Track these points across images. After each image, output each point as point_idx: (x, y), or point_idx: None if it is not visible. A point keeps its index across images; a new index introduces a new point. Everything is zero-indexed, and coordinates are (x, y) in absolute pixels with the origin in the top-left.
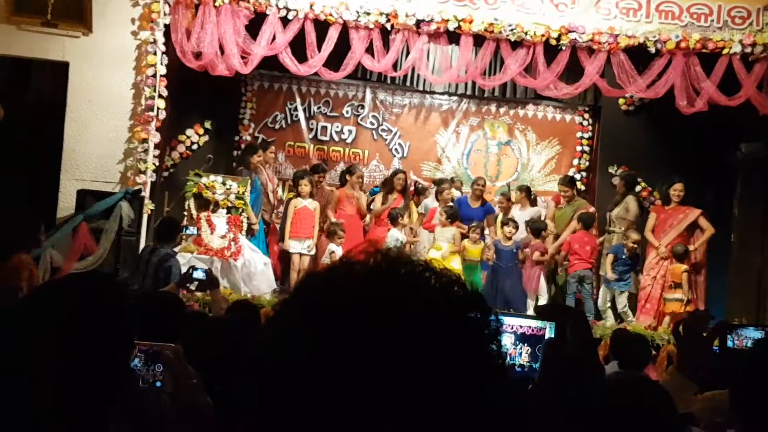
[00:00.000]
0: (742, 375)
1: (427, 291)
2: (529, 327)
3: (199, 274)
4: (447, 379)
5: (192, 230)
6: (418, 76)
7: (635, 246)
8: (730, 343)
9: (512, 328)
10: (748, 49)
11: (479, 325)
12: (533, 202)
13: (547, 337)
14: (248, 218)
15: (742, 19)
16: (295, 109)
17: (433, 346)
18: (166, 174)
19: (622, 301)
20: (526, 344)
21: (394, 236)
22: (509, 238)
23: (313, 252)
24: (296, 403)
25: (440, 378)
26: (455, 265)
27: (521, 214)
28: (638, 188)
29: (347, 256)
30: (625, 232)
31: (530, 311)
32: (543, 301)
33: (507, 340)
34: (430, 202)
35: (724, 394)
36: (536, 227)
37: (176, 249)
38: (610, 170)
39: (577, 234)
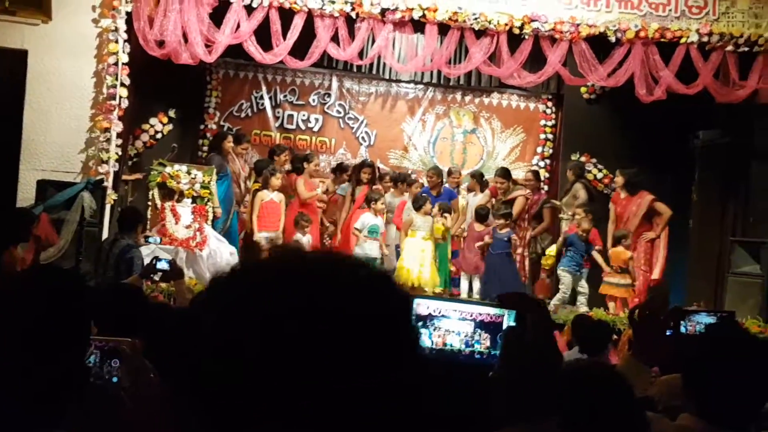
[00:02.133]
0: (694, 359)
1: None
2: (488, 314)
3: (162, 265)
4: (359, 367)
5: (155, 238)
6: (384, 64)
7: (584, 234)
8: (683, 329)
9: (471, 315)
10: (705, 39)
11: (390, 311)
12: (486, 188)
13: (505, 325)
14: (213, 206)
15: (699, 9)
16: (261, 97)
17: (345, 331)
18: (129, 163)
19: (585, 285)
20: (485, 331)
21: (365, 220)
22: (504, 227)
23: (280, 242)
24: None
25: (353, 366)
26: (428, 248)
27: (474, 199)
28: (600, 175)
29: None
30: (577, 219)
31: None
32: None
33: (467, 328)
34: (391, 197)
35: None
36: (480, 213)
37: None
38: (573, 158)
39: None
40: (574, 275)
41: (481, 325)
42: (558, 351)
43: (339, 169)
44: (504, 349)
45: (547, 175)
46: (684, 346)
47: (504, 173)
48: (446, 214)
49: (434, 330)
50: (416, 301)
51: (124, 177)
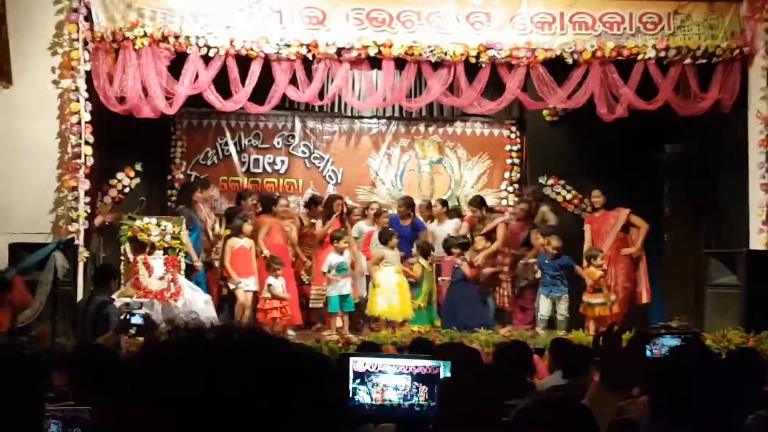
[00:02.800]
0: (659, 381)
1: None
2: (425, 367)
3: (137, 320)
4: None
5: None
6: (345, 102)
7: (555, 251)
8: (648, 353)
9: (408, 369)
10: (662, 54)
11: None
12: (451, 216)
13: (442, 375)
14: (191, 257)
15: (654, 25)
16: (226, 144)
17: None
18: (108, 203)
19: (562, 307)
20: (423, 384)
21: (331, 261)
22: (458, 255)
23: (255, 288)
24: None
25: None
26: (398, 281)
27: (440, 228)
28: (569, 196)
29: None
30: (546, 238)
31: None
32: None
33: (404, 381)
34: (365, 225)
35: None
36: (446, 245)
37: (114, 295)
38: (541, 180)
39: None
40: (551, 297)
41: (418, 377)
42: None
43: (313, 202)
44: (441, 400)
45: (516, 199)
46: (650, 369)
47: (476, 201)
48: (423, 259)
49: (373, 386)
50: (353, 359)
51: (100, 219)
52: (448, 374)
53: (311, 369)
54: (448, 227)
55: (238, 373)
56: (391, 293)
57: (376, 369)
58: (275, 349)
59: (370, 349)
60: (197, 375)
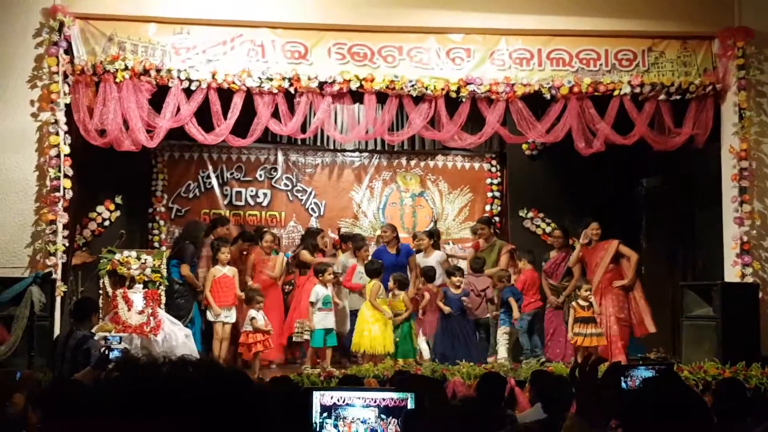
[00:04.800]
0: (631, 414)
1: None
2: (392, 399)
3: (115, 355)
4: None
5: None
6: (328, 135)
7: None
8: (624, 385)
9: (375, 401)
10: (637, 90)
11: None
12: (437, 247)
13: (409, 407)
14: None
15: (628, 61)
16: (208, 176)
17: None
18: (85, 249)
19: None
20: (391, 416)
21: (318, 292)
22: (458, 287)
23: (234, 320)
24: None
25: None
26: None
27: (426, 261)
28: (549, 229)
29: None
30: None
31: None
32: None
33: (370, 414)
34: (346, 259)
35: None
36: (428, 274)
37: (93, 330)
38: (521, 213)
39: (527, 272)
40: (511, 328)
41: (385, 410)
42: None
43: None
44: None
45: (497, 232)
46: (624, 402)
47: (485, 220)
48: (400, 291)
49: (339, 420)
50: (320, 392)
51: (74, 261)
52: (413, 406)
53: (251, 405)
54: (434, 259)
55: (172, 408)
56: (382, 325)
57: (343, 402)
58: (223, 382)
59: (352, 382)
60: (133, 410)
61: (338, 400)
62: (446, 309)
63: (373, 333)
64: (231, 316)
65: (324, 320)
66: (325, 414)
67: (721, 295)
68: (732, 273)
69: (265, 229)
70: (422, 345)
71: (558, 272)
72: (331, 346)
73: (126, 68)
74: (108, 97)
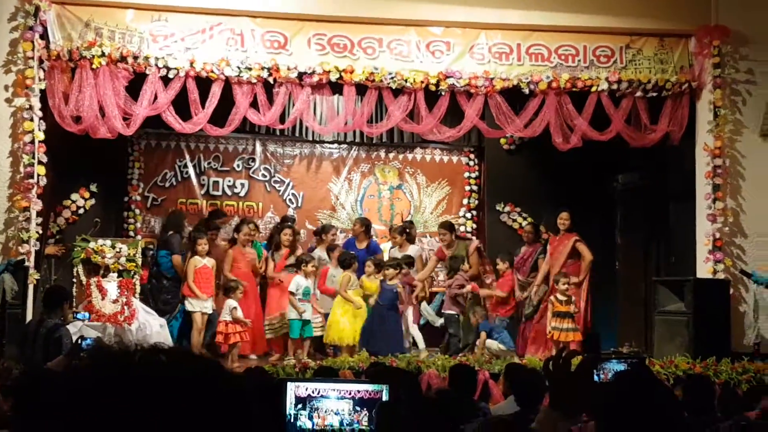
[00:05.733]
0: (605, 407)
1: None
2: (366, 391)
3: (88, 344)
4: None
5: (83, 314)
6: (307, 126)
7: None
8: (596, 377)
9: (350, 393)
10: (615, 86)
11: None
12: (412, 241)
13: (383, 399)
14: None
15: (606, 58)
16: (185, 165)
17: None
18: (51, 241)
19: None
20: (365, 408)
21: (299, 283)
22: (391, 279)
23: (211, 311)
24: None
25: None
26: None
27: (401, 255)
28: (525, 223)
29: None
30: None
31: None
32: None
33: (345, 406)
34: (320, 252)
35: None
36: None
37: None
38: (498, 208)
39: (509, 275)
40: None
41: (360, 402)
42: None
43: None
44: (378, 425)
45: (474, 226)
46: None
47: (447, 225)
48: (377, 273)
49: (314, 411)
50: (295, 384)
51: (46, 252)
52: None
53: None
54: (410, 253)
55: (140, 399)
56: (351, 317)
57: (318, 394)
58: (195, 370)
59: (327, 373)
60: (104, 400)
61: (313, 392)
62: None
63: (341, 325)
64: (209, 306)
65: (300, 308)
66: (299, 405)
67: (693, 290)
68: (704, 269)
69: (244, 219)
70: (415, 333)
71: (525, 267)
72: (308, 337)
73: (103, 54)
74: (84, 84)
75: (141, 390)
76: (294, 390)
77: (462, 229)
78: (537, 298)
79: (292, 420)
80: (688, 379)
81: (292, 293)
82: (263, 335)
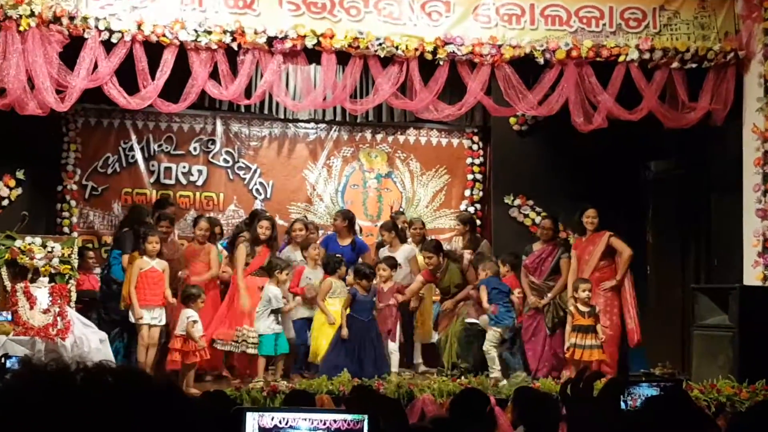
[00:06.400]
0: None
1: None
2: (344, 421)
3: (14, 364)
4: None
5: (5, 315)
6: (277, 102)
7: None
8: (623, 404)
9: (325, 424)
10: (646, 55)
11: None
12: (404, 240)
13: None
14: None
15: (637, 22)
16: (131, 148)
17: None
18: None
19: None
20: None
21: (273, 292)
22: (367, 289)
23: (163, 322)
24: None
25: None
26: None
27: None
28: (538, 219)
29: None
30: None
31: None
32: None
33: None
34: (290, 252)
35: None
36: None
37: None
38: (506, 200)
39: (511, 279)
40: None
41: None
42: None
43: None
44: None
45: (478, 222)
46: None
47: (431, 246)
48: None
49: None
50: (257, 413)
51: None
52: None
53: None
54: (402, 254)
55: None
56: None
57: (287, 424)
58: (149, 395)
59: (301, 398)
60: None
61: (280, 422)
62: (344, 332)
63: (320, 341)
64: (160, 317)
65: (274, 324)
66: None
67: (739, 300)
68: (752, 275)
69: (201, 215)
70: (391, 348)
71: (543, 268)
72: (283, 353)
73: (32, 14)
74: (9, 50)
75: (84, 418)
76: (257, 420)
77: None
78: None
79: None
80: (732, 407)
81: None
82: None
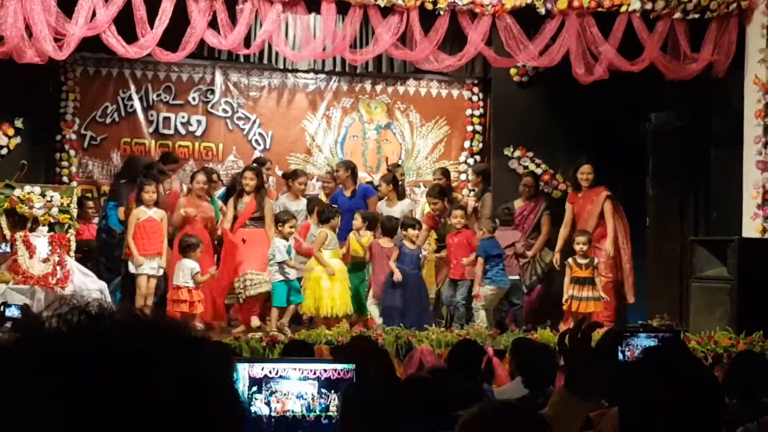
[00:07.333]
0: (630, 390)
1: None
2: (334, 371)
3: (13, 312)
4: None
5: (4, 247)
6: (277, 52)
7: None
8: (620, 355)
9: (315, 374)
10: (648, 6)
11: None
12: (402, 195)
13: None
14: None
15: None
16: (130, 98)
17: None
18: None
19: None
20: (333, 391)
21: (280, 246)
22: (414, 242)
23: (161, 272)
24: None
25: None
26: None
27: (390, 210)
28: (539, 171)
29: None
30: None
31: None
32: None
33: (309, 389)
34: (288, 201)
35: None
36: (387, 226)
37: None
38: (506, 152)
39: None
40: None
41: (326, 384)
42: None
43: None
44: (343, 410)
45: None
46: (620, 375)
47: (435, 192)
48: (368, 231)
49: (271, 395)
50: (246, 364)
51: None
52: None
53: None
54: (399, 209)
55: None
56: (328, 283)
57: (277, 374)
58: (158, 337)
59: (300, 349)
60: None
61: (270, 372)
62: (397, 275)
63: (333, 291)
64: (157, 267)
65: (285, 272)
66: (254, 388)
67: (737, 252)
68: (752, 227)
69: (204, 167)
70: (371, 308)
71: (525, 226)
72: (297, 303)
73: None
74: None
75: (87, 365)
76: (248, 370)
77: (462, 177)
78: (544, 266)
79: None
80: (735, 357)
81: (270, 258)
82: (214, 301)
